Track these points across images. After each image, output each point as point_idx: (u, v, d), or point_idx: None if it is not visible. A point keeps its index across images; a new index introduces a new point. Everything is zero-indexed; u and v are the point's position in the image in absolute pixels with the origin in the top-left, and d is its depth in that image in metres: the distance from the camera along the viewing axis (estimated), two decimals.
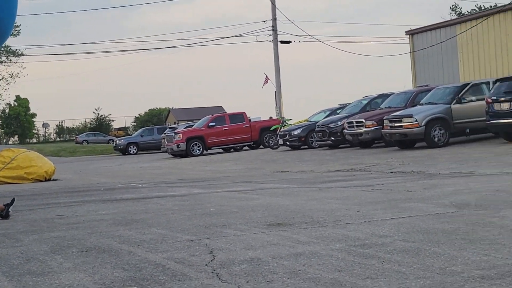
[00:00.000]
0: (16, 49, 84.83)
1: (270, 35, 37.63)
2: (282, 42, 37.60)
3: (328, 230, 5.49)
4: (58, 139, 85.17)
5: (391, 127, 18.56)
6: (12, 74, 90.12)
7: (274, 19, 37.37)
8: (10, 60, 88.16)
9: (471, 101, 18.30)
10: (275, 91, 37.58)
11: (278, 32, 37.48)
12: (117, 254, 4.90)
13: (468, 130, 18.48)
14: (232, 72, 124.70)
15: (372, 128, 20.31)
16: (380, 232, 5.19)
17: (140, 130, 48.60)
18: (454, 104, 18.11)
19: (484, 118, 16.92)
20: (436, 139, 17.83)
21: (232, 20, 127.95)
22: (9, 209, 7.86)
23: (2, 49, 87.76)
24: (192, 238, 5.47)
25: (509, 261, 3.92)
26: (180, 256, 4.66)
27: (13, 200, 8.06)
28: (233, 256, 4.55)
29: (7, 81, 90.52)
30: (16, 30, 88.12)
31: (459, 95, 18.23)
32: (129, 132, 73.32)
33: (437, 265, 3.86)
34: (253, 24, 60.75)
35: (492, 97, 16.64)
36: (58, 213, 8.22)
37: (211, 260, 4.43)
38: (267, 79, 37.10)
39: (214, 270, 4.12)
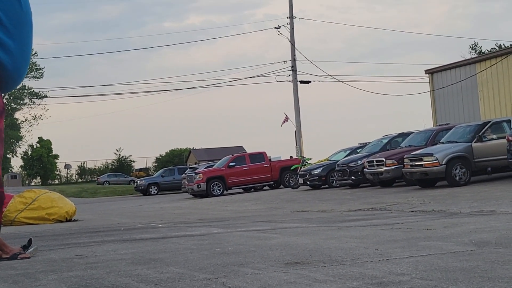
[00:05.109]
0: (39, 91, 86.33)
1: (289, 75, 37.93)
2: (301, 82, 37.89)
3: (346, 268, 5.46)
4: (80, 180, 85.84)
5: (411, 166, 18.50)
6: (35, 116, 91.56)
7: (294, 60, 37.70)
8: (34, 102, 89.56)
9: (492, 139, 18.22)
10: (295, 131, 37.70)
11: (297, 72, 37.80)
12: None
13: (489, 169, 18.38)
14: (252, 112, 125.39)
15: (393, 167, 20.26)
16: (398, 270, 5.16)
17: (161, 171, 48.78)
18: (475, 142, 18.05)
19: (506, 157, 16.81)
20: (457, 177, 17.73)
21: (252, 61, 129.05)
22: (28, 251, 7.92)
23: (26, 91, 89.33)
24: (210, 276, 5.46)
25: None
26: None
27: (29, 241, 8.10)
28: None
29: (30, 123, 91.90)
30: (39, 73, 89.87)
31: (480, 134, 18.18)
32: (150, 173, 73.60)
33: None
34: (272, 64, 61.58)
35: None
36: (77, 253, 8.25)
37: None
38: (286, 118, 37.30)
39: None
